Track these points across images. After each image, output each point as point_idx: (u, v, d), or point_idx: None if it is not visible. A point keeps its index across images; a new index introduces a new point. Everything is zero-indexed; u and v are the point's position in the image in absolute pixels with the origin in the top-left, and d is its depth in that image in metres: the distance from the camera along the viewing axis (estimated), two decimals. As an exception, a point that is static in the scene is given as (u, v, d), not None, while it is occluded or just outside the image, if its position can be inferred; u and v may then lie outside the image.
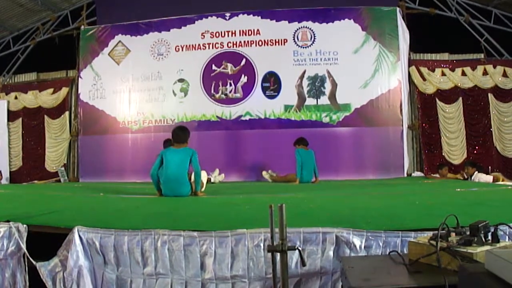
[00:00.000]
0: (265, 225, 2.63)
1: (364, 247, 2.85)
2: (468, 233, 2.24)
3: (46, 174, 13.18)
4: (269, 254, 2.36)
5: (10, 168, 13.53)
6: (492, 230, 2.25)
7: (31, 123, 13.60)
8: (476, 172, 9.59)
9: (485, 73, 11.68)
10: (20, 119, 13.64)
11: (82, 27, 13.15)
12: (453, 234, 2.31)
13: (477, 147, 11.63)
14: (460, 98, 11.72)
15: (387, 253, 2.65)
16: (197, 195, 6.18)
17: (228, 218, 3.63)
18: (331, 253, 2.85)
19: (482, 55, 12.05)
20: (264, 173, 10.45)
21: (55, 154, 13.33)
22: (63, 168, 12.82)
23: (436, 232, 2.21)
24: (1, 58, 14.23)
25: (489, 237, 2.23)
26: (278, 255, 2.26)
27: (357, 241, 2.84)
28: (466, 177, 9.86)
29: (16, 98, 13.65)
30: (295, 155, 9.34)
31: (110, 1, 12.72)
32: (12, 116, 13.67)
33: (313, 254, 2.84)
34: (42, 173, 13.24)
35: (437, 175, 10.55)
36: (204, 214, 4.00)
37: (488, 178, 9.43)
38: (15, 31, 13.99)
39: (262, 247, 2.82)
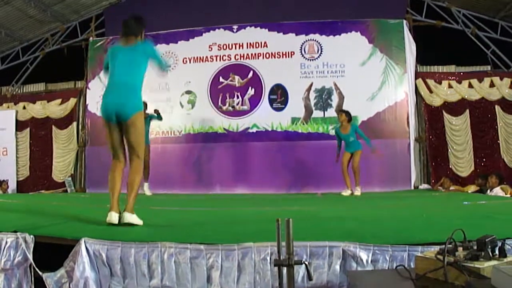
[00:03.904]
0: (272, 238, 2.63)
1: (371, 261, 2.84)
2: (475, 247, 2.23)
3: (53, 184, 13.21)
4: (276, 268, 2.36)
5: (17, 178, 13.56)
6: (499, 244, 2.24)
7: (39, 133, 13.66)
8: (498, 186, 9.39)
9: (492, 85, 11.65)
10: (28, 129, 13.69)
11: (91, 38, 13.27)
12: (460, 248, 2.30)
13: (484, 159, 11.56)
14: (467, 110, 11.69)
15: (394, 267, 2.64)
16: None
17: (235, 231, 3.63)
18: (337, 267, 2.85)
19: (488, 67, 12.03)
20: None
21: (62, 164, 13.38)
22: (70, 179, 12.86)
23: (443, 246, 2.20)
24: (11, 68, 14.34)
25: (496, 252, 2.22)
26: (284, 269, 2.26)
27: (363, 255, 2.84)
28: (484, 187, 9.72)
29: (24, 108, 13.73)
30: (355, 128, 9.38)
31: (119, 13, 12.75)
32: (20, 126, 13.73)
33: (320, 268, 2.84)
34: (49, 183, 13.27)
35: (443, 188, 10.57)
36: (211, 227, 4.00)
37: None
38: (25, 41, 14.10)
39: (269, 260, 2.82)
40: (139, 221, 4.13)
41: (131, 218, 4.09)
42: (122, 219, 4.07)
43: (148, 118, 9.25)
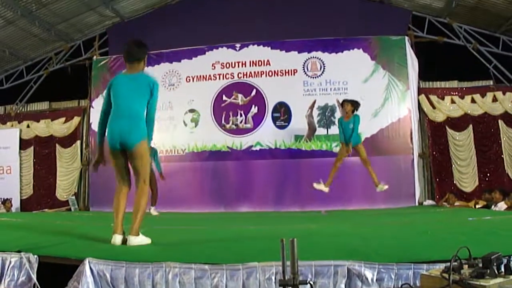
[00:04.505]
0: (277, 257, 2.62)
1: (376, 279, 2.83)
2: (480, 265, 2.23)
3: (57, 202, 13.21)
4: (281, 288, 2.35)
5: (21, 196, 13.58)
6: (505, 261, 2.24)
7: (43, 152, 13.70)
8: (502, 201, 9.32)
9: (494, 99, 11.68)
10: (32, 147, 13.75)
11: (94, 57, 13.36)
12: (465, 266, 2.29)
13: (488, 174, 11.54)
14: (470, 126, 11.71)
15: (399, 285, 2.63)
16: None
17: (240, 250, 3.62)
18: (342, 286, 2.83)
19: (491, 82, 12.07)
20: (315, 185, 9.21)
21: (66, 183, 13.39)
22: (73, 197, 12.86)
23: (449, 264, 2.19)
24: (15, 87, 14.45)
25: (502, 269, 2.22)
26: (289, 289, 2.25)
27: (369, 274, 2.82)
28: (490, 202, 9.67)
29: (28, 126, 13.80)
30: (356, 118, 8.83)
31: (122, 32, 12.87)
32: (24, 144, 13.79)
33: (325, 287, 2.82)
34: (52, 202, 13.27)
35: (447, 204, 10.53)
36: (215, 246, 3.99)
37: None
38: (29, 60, 14.23)
39: (274, 280, 2.80)
40: (146, 241, 4.15)
41: (136, 240, 4.10)
42: (128, 242, 4.08)
43: (153, 151, 9.25)
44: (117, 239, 4.11)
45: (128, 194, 4.41)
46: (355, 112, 8.95)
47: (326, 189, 9.00)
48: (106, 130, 4.41)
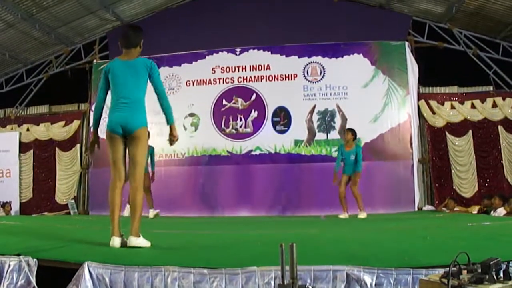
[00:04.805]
0: (276, 262, 2.62)
1: (375, 284, 2.82)
2: (479, 270, 2.22)
3: (56, 206, 13.19)
4: (280, 292, 2.35)
5: (20, 200, 13.54)
6: (504, 267, 2.24)
7: (43, 155, 13.68)
8: (502, 206, 9.32)
9: (494, 105, 11.69)
10: (32, 151, 13.72)
11: (95, 61, 13.38)
12: (464, 271, 2.29)
13: (488, 180, 11.53)
14: (470, 131, 11.71)
15: (398, 291, 2.63)
16: (173, 136, 4.86)
17: (239, 255, 3.62)
18: (341, 291, 2.83)
19: (491, 88, 12.08)
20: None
21: (65, 187, 13.37)
22: (73, 201, 12.84)
23: (448, 269, 2.19)
24: (14, 90, 14.43)
25: (501, 275, 2.22)
26: (289, 294, 2.25)
27: (368, 279, 2.82)
28: (486, 208, 9.69)
29: (28, 130, 13.78)
30: (358, 149, 9.02)
31: (122, 36, 12.87)
32: (23, 147, 13.76)
33: (324, 292, 2.82)
34: (52, 205, 13.25)
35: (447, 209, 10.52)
36: (214, 250, 3.99)
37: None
38: (29, 64, 14.21)
39: (273, 284, 2.80)
40: (146, 243, 4.11)
41: (137, 241, 4.06)
42: (128, 243, 4.05)
43: (151, 149, 9.12)
44: (115, 241, 4.07)
45: (122, 189, 4.35)
46: (355, 141, 9.14)
47: (347, 215, 9.06)
48: (107, 119, 4.37)
